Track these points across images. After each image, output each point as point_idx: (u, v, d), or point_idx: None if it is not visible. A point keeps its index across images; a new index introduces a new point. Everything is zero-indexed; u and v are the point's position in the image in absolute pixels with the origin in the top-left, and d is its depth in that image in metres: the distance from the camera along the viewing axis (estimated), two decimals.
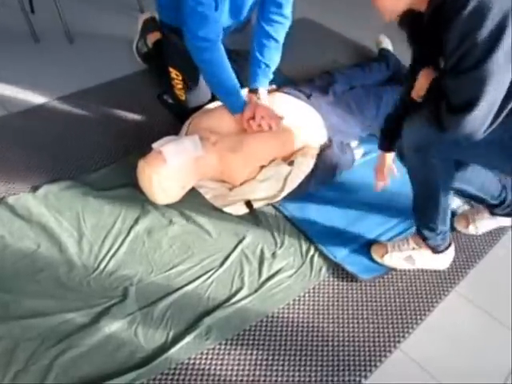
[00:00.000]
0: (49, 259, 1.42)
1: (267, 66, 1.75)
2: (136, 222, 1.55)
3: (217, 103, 1.83)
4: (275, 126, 1.67)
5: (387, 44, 2.43)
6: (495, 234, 1.61)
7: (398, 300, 1.42)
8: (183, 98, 1.90)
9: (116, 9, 2.77)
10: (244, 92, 1.74)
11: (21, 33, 2.44)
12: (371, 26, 2.79)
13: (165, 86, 1.98)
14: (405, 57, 2.36)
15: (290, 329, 1.33)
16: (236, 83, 1.67)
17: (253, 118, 1.65)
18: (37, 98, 2.04)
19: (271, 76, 1.78)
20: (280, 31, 1.72)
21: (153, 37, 2.22)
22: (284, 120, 1.71)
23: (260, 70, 1.74)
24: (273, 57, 1.75)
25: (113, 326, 1.28)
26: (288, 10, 1.69)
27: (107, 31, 2.54)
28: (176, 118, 1.91)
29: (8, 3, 2.51)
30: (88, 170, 1.72)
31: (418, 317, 1.38)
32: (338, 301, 1.40)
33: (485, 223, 1.58)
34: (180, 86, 1.88)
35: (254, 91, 1.75)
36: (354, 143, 1.86)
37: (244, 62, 1.76)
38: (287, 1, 1.66)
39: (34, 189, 1.63)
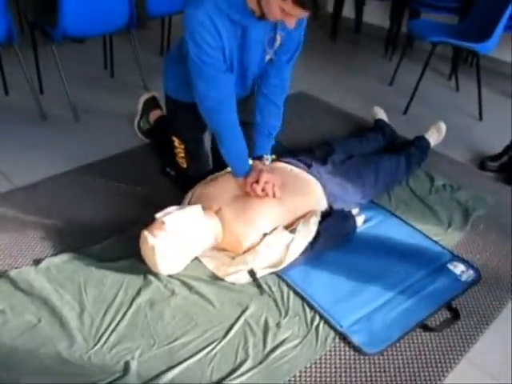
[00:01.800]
0: (49, 334, 1.41)
1: (269, 132, 1.82)
2: (138, 293, 1.55)
3: (219, 173, 1.90)
4: (279, 193, 1.72)
5: (382, 115, 2.55)
6: (503, 297, 1.61)
7: (407, 370, 1.39)
8: (185, 166, 1.97)
9: (120, 88, 2.93)
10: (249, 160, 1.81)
11: (30, 111, 2.56)
12: (365, 98, 2.95)
13: (167, 158, 2.06)
14: (399, 127, 2.49)
15: None
16: (245, 147, 1.73)
17: (257, 182, 1.70)
18: (42, 173, 2.11)
19: (273, 142, 1.85)
20: (279, 95, 1.79)
21: (154, 115, 2.34)
22: (285, 188, 1.76)
23: (263, 136, 1.81)
24: (274, 122, 1.82)
25: None
26: (286, 74, 1.77)
27: (111, 109, 2.68)
28: (179, 188, 1.96)
29: (19, 84, 2.65)
30: (91, 242, 1.74)
31: None
32: (345, 372, 1.37)
33: None
34: (182, 155, 1.96)
35: (258, 158, 1.81)
36: (354, 211, 1.90)
37: (248, 131, 1.82)
38: (286, 65, 1.75)
39: (37, 262, 1.64)
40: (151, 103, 2.37)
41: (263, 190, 1.70)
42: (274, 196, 1.71)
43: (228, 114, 1.66)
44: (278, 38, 1.64)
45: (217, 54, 1.54)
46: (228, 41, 1.54)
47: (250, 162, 1.81)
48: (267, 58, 1.70)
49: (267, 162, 1.82)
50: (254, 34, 1.59)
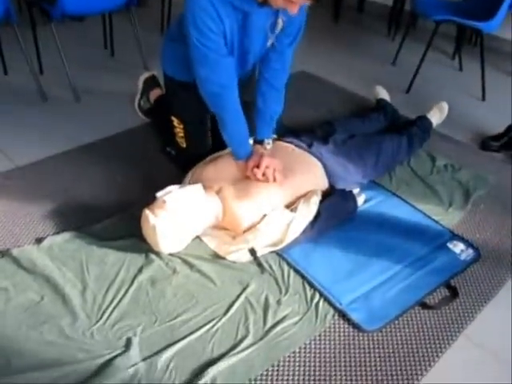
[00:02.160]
0: (52, 311, 1.43)
1: (271, 117, 1.81)
2: (140, 271, 1.57)
3: (218, 153, 1.90)
4: (280, 177, 1.72)
5: (384, 94, 2.54)
6: (502, 277, 1.63)
7: (405, 346, 1.41)
8: (184, 145, 1.98)
9: (120, 67, 2.92)
10: (250, 141, 1.81)
11: (29, 92, 2.56)
12: (367, 77, 2.94)
13: (167, 137, 2.06)
14: (401, 106, 2.48)
15: (296, 377, 1.32)
16: (247, 130, 1.73)
17: (257, 166, 1.71)
18: (43, 152, 2.11)
19: (274, 125, 1.85)
20: (280, 79, 1.78)
21: (154, 94, 2.34)
22: (286, 168, 1.76)
23: (264, 122, 1.81)
24: (275, 106, 1.82)
25: (116, 378, 1.27)
26: (288, 58, 1.76)
27: (111, 88, 2.67)
28: (179, 168, 1.97)
29: (18, 64, 2.64)
30: (92, 221, 1.76)
31: (427, 363, 1.37)
32: (344, 348, 1.40)
33: None
34: (181, 135, 1.96)
35: (259, 142, 1.81)
36: (355, 190, 1.90)
37: (250, 112, 1.81)
38: (287, 49, 1.73)
39: (39, 241, 1.66)
40: (151, 82, 2.36)
41: (264, 174, 1.70)
42: (274, 181, 1.71)
43: (230, 97, 1.66)
44: (280, 22, 1.62)
45: (218, 38, 1.53)
46: (229, 26, 1.53)
47: (251, 141, 1.81)
48: (269, 42, 1.68)
49: (268, 147, 1.82)
50: (255, 20, 1.57)
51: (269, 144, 1.82)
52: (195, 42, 1.52)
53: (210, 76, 1.60)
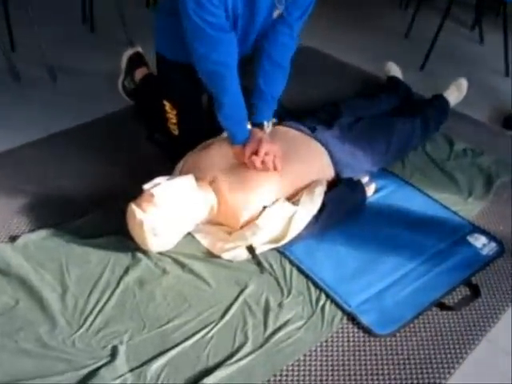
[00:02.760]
0: (29, 317, 1.42)
1: (272, 97, 1.79)
2: (126, 272, 1.56)
3: (212, 140, 1.88)
4: (280, 165, 1.71)
5: (396, 71, 2.53)
6: None
7: (422, 352, 1.41)
8: (177, 133, 1.96)
9: (101, 44, 2.89)
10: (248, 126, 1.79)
11: (0, 72, 2.53)
12: (377, 52, 2.91)
13: (155, 123, 2.05)
14: (415, 85, 2.46)
15: None
16: (245, 112, 1.71)
17: (256, 153, 1.69)
18: (16, 140, 2.09)
19: (275, 107, 1.83)
20: (286, 55, 1.76)
21: (140, 73, 2.31)
22: (288, 156, 1.75)
23: (264, 102, 1.78)
24: (278, 87, 1.80)
25: None
26: (296, 33, 1.74)
27: (92, 67, 2.65)
28: (168, 156, 1.95)
29: None
30: (72, 217, 1.74)
31: (446, 370, 1.37)
32: (354, 355, 1.39)
33: None
34: (174, 121, 1.94)
35: (257, 125, 1.79)
36: (364, 179, 1.89)
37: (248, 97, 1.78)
38: (297, 22, 1.70)
39: (13, 239, 1.65)
40: (136, 60, 2.34)
41: (263, 162, 1.69)
42: (274, 169, 1.70)
43: (230, 77, 1.64)
44: None
45: (219, 11, 1.51)
46: None
47: (249, 126, 1.79)
48: (275, 13, 1.66)
49: (268, 130, 1.80)
50: None
51: (268, 127, 1.80)
52: (192, 15, 1.49)
53: (209, 53, 1.58)
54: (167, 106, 1.93)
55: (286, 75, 1.80)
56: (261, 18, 1.66)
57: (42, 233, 1.67)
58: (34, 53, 2.55)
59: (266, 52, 1.75)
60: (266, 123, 1.79)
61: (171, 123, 1.96)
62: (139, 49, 2.36)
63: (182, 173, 1.78)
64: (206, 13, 1.48)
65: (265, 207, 1.66)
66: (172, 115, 1.94)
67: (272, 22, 1.69)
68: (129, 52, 2.36)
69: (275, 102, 1.82)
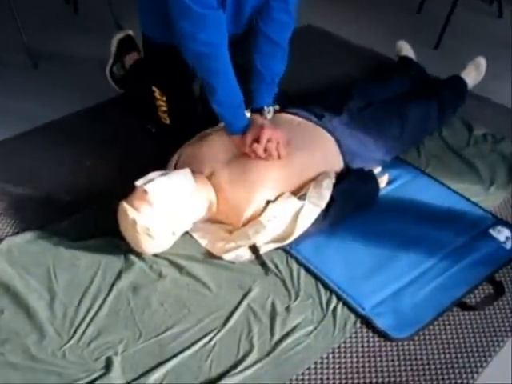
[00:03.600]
0: (14, 327, 1.42)
1: (272, 79, 1.79)
2: (118, 276, 1.56)
3: (210, 130, 1.88)
4: (284, 152, 1.70)
5: (408, 51, 2.52)
6: None
7: (443, 356, 1.41)
8: (168, 121, 1.95)
9: (85, 27, 2.88)
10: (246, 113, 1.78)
11: None
12: (387, 30, 2.90)
13: (147, 112, 2.04)
14: (429, 65, 2.45)
15: None
16: (241, 97, 1.71)
17: (257, 141, 1.69)
18: None
19: (276, 90, 1.83)
20: (284, 33, 1.76)
21: (130, 58, 2.31)
22: (292, 146, 1.74)
23: (264, 85, 1.79)
24: (277, 67, 1.80)
25: None
26: (293, 8, 1.73)
27: (76, 53, 2.64)
28: (162, 149, 1.94)
29: None
30: (58, 217, 1.74)
31: (470, 375, 1.37)
32: (369, 361, 1.39)
33: None
34: (164, 109, 1.95)
35: (258, 111, 1.79)
36: (376, 170, 1.89)
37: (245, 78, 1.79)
38: None
39: None
40: (127, 44, 2.33)
41: (265, 150, 1.68)
42: (278, 157, 1.69)
43: (220, 58, 1.64)
44: None
45: None
46: None
47: (248, 114, 1.78)
48: None
49: (269, 116, 1.80)
50: None
51: (269, 113, 1.80)
52: None
53: (196, 33, 1.57)
54: (156, 92, 1.93)
55: (286, 56, 1.80)
56: None
57: (27, 235, 1.67)
58: (14, 37, 2.54)
59: (262, 31, 1.75)
60: (266, 108, 1.79)
61: (161, 111, 1.96)
62: (130, 32, 2.35)
63: (177, 166, 1.78)
64: None
65: (268, 202, 1.66)
66: (162, 102, 1.94)
67: None
68: (119, 35, 2.35)
69: (275, 84, 1.82)
